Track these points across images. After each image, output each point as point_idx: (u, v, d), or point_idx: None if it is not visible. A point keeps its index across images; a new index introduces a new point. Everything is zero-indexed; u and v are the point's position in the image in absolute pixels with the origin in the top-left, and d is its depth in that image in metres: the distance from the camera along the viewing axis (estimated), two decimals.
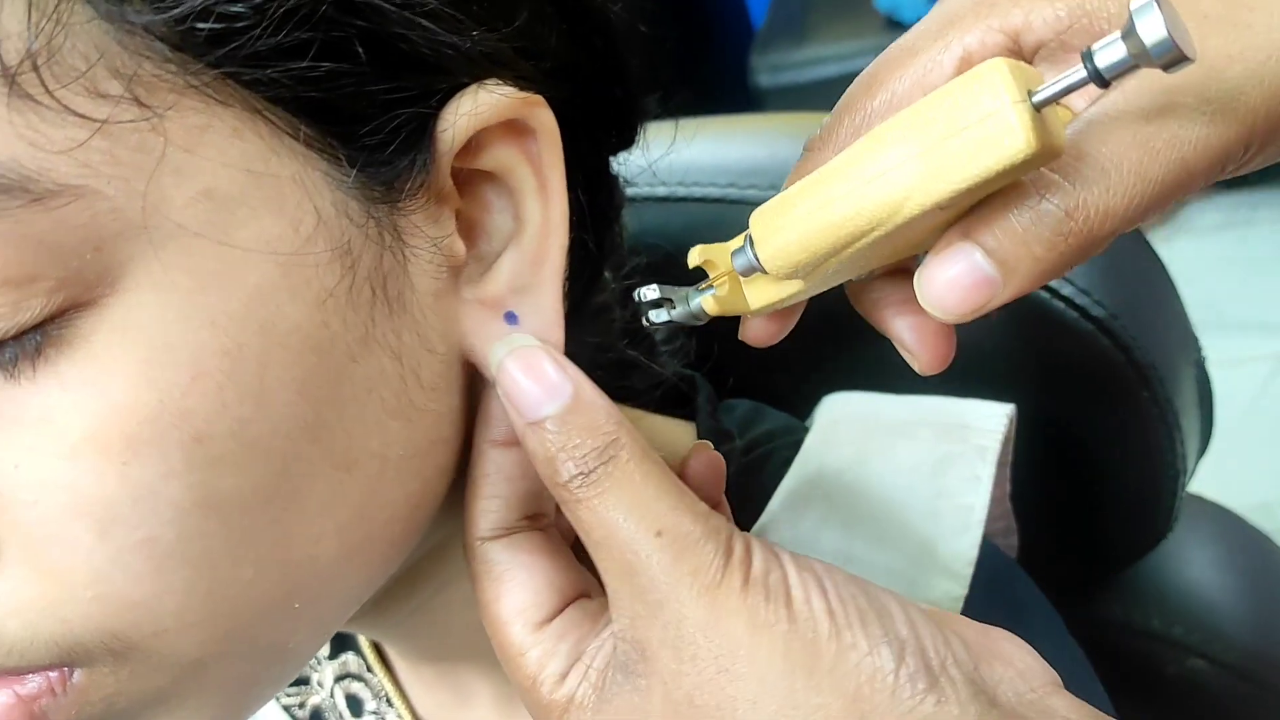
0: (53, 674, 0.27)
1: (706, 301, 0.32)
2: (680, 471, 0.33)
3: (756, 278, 0.31)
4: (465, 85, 0.29)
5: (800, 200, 0.28)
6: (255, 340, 0.26)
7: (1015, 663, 0.28)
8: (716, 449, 0.34)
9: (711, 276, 0.32)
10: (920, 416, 0.45)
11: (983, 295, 0.26)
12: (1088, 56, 0.24)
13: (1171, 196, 0.26)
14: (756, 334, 0.33)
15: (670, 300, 0.33)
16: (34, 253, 0.24)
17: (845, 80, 0.31)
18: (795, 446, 0.44)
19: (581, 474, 0.29)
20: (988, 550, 0.40)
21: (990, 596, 0.40)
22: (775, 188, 0.29)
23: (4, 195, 0.23)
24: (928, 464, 0.42)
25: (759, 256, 0.29)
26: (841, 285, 0.32)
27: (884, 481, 0.42)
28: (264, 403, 0.27)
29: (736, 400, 0.48)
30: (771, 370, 0.48)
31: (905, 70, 0.29)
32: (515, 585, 0.31)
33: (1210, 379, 0.57)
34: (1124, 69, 0.24)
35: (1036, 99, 0.24)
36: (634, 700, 0.28)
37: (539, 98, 0.30)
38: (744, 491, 0.40)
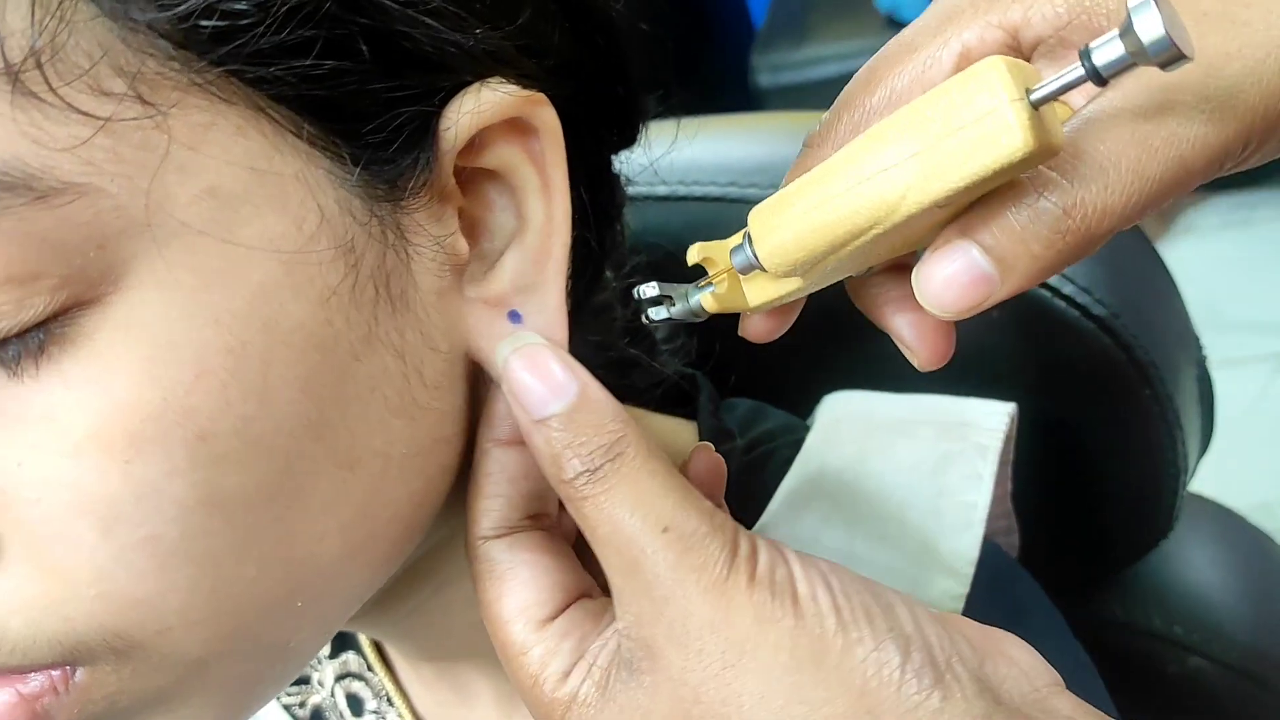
0: (55, 673, 0.27)
1: (705, 299, 0.32)
2: (681, 473, 0.33)
3: (755, 275, 0.31)
4: (468, 83, 0.29)
5: (798, 198, 0.28)
6: (259, 338, 0.26)
7: (1019, 662, 0.28)
8: (718, 448, 0.34)
9: (711, 274, 0.32)
10: (921, 415, 0.44)
11: (980, 292, 0.26)
12: (1085, 55, 0.24)
13: (1169, 194, 0.26)
14: (756, 330, 0.33)
15: (669, 298, 0.33)
16: (37, 250, 0.24)
17: (845, 80, 0.31)
18: (796, 445, 0.44)
19: (587, 471, 0.29)
20: (989, 550, 0.40)
21: (992, 596, 0.40)
22: (775, 187, 0.29)
23: (8, 193, 0.23)
24: (929, 462, 0.42)
25: (758, 254, 0.29)
26: (842, 282, 0.32)
27: (885, 480, 0.42)
28: (267, 400, 0.27)
29: (738, 399, 0.48)
30: (773, 368, 0.48)
31: (904, 66, 0.29)
32: (517, 584, 0.31)
33: (1211, 378, 0.57)
34: (1121, 67, 0.24)
35: (1034, 97, 0.24)
36: (639, 698, 0.28)
37: (542, 96, 0.30)
38: (745, 490, 0.40)
